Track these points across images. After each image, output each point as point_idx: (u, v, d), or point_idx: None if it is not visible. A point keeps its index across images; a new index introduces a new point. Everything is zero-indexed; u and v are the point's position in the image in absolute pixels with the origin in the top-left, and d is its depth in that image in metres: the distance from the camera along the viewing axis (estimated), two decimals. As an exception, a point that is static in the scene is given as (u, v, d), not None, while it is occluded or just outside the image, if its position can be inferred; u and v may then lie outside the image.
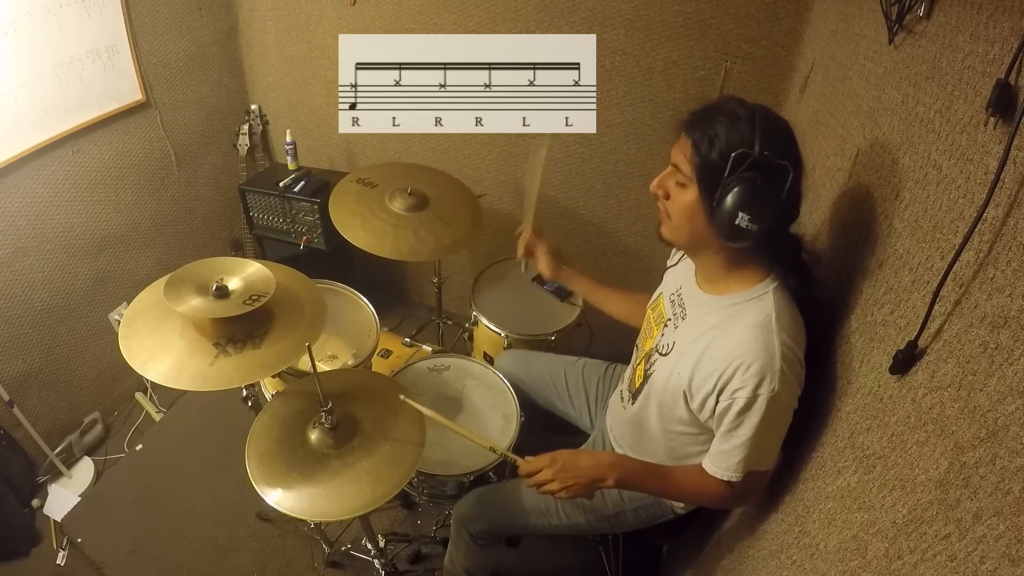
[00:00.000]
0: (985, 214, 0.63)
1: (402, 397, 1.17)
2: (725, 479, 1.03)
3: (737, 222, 0.91)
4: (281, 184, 2.30)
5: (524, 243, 1.53)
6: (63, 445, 2.09)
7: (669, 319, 1.16)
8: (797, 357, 0.96)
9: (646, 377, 1.18)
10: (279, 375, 1.63)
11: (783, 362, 0.93)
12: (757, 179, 0.90)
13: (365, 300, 1.82)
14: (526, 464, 1.15)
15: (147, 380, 1.94)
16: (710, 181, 0.93)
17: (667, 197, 1.03)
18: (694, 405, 1.04)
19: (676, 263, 1.25)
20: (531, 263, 1.56)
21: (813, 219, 1.27)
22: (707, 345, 1.01)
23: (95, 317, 2.16)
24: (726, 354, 0.97)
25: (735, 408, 0.96)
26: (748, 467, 1.00)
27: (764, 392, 0.93)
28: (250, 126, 2.45)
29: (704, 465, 1.06)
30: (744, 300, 1.01)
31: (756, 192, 0.90)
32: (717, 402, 0.99)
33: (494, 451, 1.20)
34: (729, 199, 0.91)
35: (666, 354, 1.12)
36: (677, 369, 1.07)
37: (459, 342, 2.46)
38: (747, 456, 0.99)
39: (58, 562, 1.85)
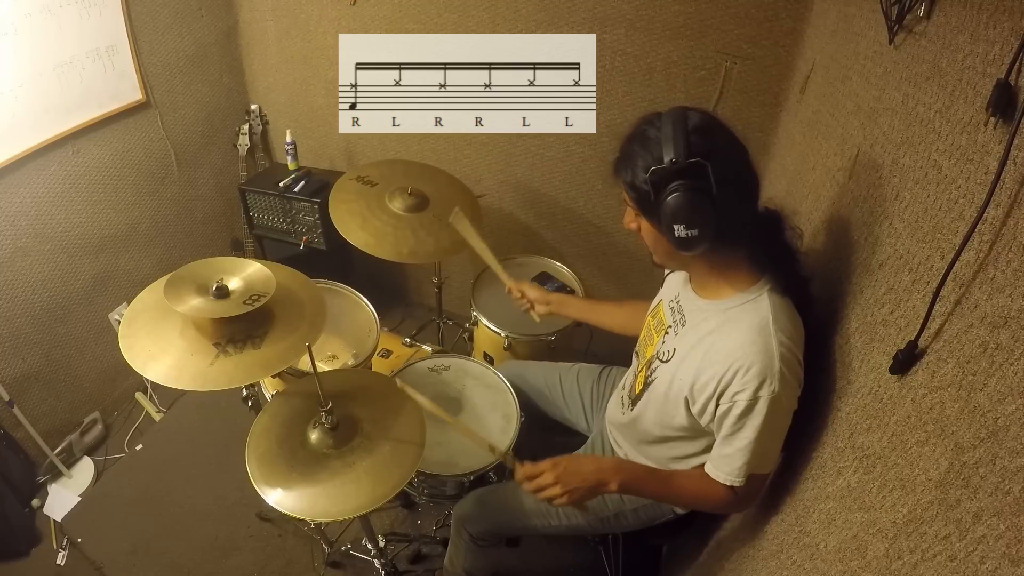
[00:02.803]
0: (985, 214, 0.63)
1: (399, 384, 1.17)
2: (728, 483, 1.03)
3: (678, 235, 0.93)
4: (281, 184, 2.30)
5: (516, 298, 1.56)
6: (63, 445, 2.09)
7: (670, 326, 1.16)
8: (796, 358, 0.96)
9: (647, 384, 1.18)
10: (279, 375, 1.63)
11: (782, 363, 0.93)
12: (678, 189, 0.91)
13: (365, 300, 1.82)
14: (525, 468, 1.14)
15: (147, 380, 1.95)
16: (649, 208, 0.96)
17: (639, 230, 1.06)
18: (695, 410, 1.04)
19: (674, 270, 1.26)
20: (535, 309, 1.56)
21: (813, 219, 1.27)
22: (706, 350, 1.02)
23: (95, 317, 2.16)
24: (724, 357, 0.97)
25: (735, 411, 0.96)
26: (751, 470, 1.00)
27: (765, 394, 0.93)
28: (250, 126, 2.46)
29: (707, 469, 1.06)
30: (740, 303, 1.01)
31: (679, 204, 0.91)
32: (717, 406, 0.99)
33: (492, 451, 1.20)
34: (664, 219, 0.94)
35: (667, 360, 1.12)
36: (678, 375, 1.07)
37: (459, 342, 2.46)
38: (750, 460, 0.99)
39: (58, 562, 1.85)
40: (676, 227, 0.92)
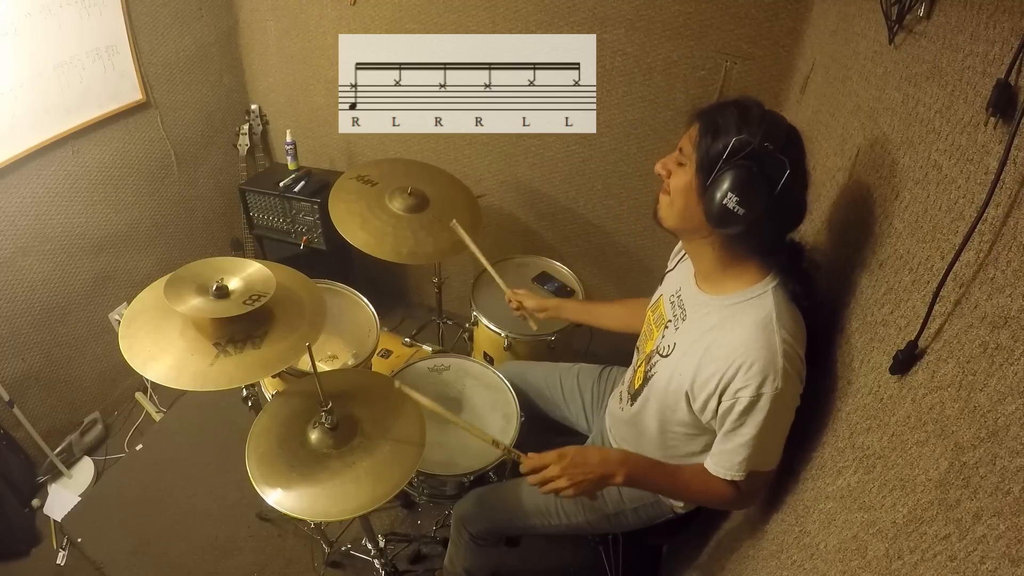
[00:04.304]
0: (985, 214, 0.63)
1: (397, 384, 1.16)
2: (728, 479, 1.02)
3: (725, 202, 0.93)
4: (281, 184, 2.30)
5: (514, 308, 1.59)
6: (63, 445, 2.09)
7: (669, 320, 1.16)
8: (798, 355, 0.96)
9: (646, 379, 1.18)
10: (279, 375, 1.63)
11: (785, 360, 0.93)
12: (752, 167, 0.91)
13: (365, 300, 1.82)
14: (531, 459, 1.12)
15: (147, 380, 1.94)
16: (708, 163, 0.95)
17: (669, 176, 1.05)
18: (696, 406, 1.04)
19: (674, 267, 1.26)
20: (531, 316, 1.59)
21: (813, 219, 1.27)
22: (708, 345, 1.02)
23: (95, 317, 2.16)
24: (727, 353, 0.97)
25: (738, 408, 0.96)
26: (751, 467, 1.00)
27: (768, 391, 0.93)
28: (250, 126, 2.46)
29: (706, 465, 1.06)
30: (744, 299, 1.01)
31: (748, 177, 0.91)
32: (720, 402, 0.99)
33: (496, 445, 1.18)
34: (721, 180, 0.93)
35: (667, 355, 1.12)
36: (679, 370, 1.07)
37: (459, 342, 2.46)
38: (750, 455, 0.99)
39: (58, 562, 1.85)
40: (729, 195, 0.92)
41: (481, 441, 1.22)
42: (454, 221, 1.62)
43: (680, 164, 1.03)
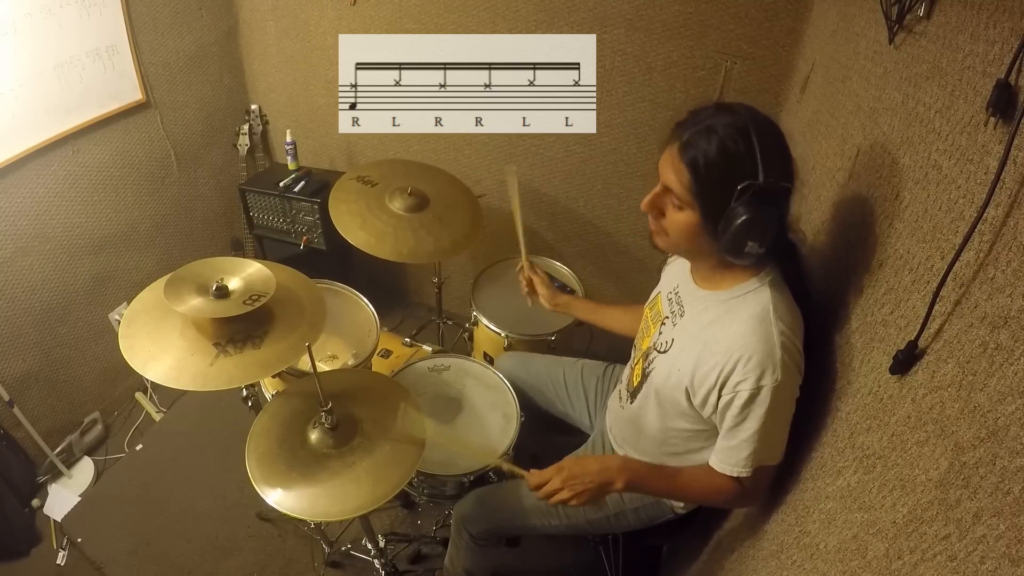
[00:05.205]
0: (985, 214, 0.63)
1: (400, 409, 1.18)
2: (734, 475, 1.02)
3: (747, 250, 0.92)
4: (281, 184, 2.30)
5: (525, 279, 1.56)
6: (63, 445, 2.09)
7: (667, 317, 1.16)
8: (796, 346, 0.96)
9: (644, 375, 1.18)
10: (279, 375, 1.63)
11: (783, 352, 0.93)
12: (762, 208, 0.89)
13: (365, 300, 1.82)
14: (533, 476, 1.15)
15: (147, 380, 1.95)
16: (713, 208, 0.93)
17: (661, 215, 1.02)
18: (696, 401, 1.04)
19: (673, 260, 1.26)
20: (535, 298, 1.57)
21: (813, 219, 1.27)
22: (706, 340, 1.02)
23: (95, 317, 2.16)
24: (725, 347, 0.97)
25: (738, 402, 0.96)
26: (757, 461, 1.00)
27: (767, 383, 0.94)
28: (250, 126, 2.46)
29: (711, 463, 1.06)
30: (741, 294, 1.02)
31: (764, 220, 0.90)
32: (720, 397, 0.99)
33: (500, 467, 1.20)
34: (736, 228, 0.91)
35: (664, 351, 1.13)
36: (677, 366, 1.07)
37: (459, 342, 2.46)
38: (756, 450, 0.98)
39: (58, 562, 1.85)
40: (749, 243, 0.91)
41: (483, 443, 1.23)
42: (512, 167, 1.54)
43: (677, 207, 0.98)
